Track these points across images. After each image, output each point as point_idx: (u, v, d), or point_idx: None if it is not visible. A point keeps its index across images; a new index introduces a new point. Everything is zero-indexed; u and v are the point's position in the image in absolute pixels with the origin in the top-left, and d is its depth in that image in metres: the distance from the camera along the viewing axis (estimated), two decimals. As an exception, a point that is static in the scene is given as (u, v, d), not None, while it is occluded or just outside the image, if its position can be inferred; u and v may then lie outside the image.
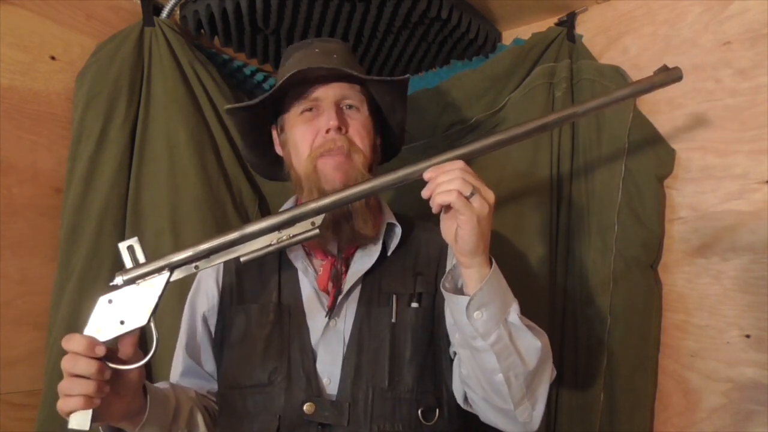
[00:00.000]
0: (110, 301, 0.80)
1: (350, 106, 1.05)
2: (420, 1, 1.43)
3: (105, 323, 0.80)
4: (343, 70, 1.01)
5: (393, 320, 1.00)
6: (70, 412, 0.76)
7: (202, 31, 1.51)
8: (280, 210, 0.95)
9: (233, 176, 1.48)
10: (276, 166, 1.18)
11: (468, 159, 0.87)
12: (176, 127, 1.38)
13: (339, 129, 1.01)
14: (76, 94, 1.33)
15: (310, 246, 1.07)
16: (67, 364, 0.76)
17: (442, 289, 0.92)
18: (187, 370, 1.09)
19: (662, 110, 1.42)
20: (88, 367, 0.76)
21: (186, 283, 1.07)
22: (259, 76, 1.62)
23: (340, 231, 1.02)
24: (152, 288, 0.81)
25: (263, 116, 1.11)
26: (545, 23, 1.61)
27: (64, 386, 0.76)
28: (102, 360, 0.77)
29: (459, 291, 0.91)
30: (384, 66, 1.78)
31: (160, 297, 0.81)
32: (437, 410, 0.98)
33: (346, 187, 0.89)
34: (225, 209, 1.42)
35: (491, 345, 0.87)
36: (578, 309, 1.43)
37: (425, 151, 1.54)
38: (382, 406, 0.95)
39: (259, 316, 1.02)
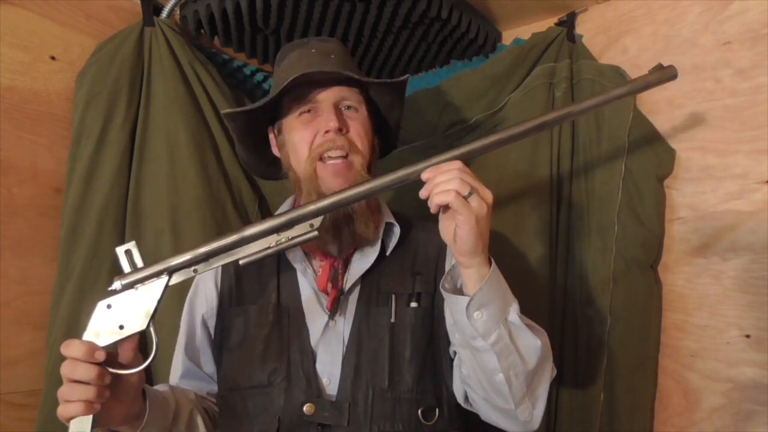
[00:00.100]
0: (109, 306, 0.80)
1: (349, 107, 1.05)
2: (420, 1, 1.43)
3: (104, 328, 0.79)
4: (342, 73, 1.01)
5: (392, 320, 1.00)
6: (70, 418, 0.76)
7: (202, 31, 1.51)
8: (277, 212, 0.95)
9: (233, 176, 1.48)
10: (273, 167, 1.18)
11: (466, 159, 0.87)
12: (176, 127, 1.38)
13: (339, 130, 1.01)
14: (76, 94, 1.33)
15: (308, 247, 1.06)
16: (66, 369, 0.76)
17: (441, 290, 0.92)
18: (187, 372, 1.09)
19: (662, 110, 1.42)
20: (88, 372, 0.76)
21: (186, 285, 1.07)
22: (259, 76, 1.62)
23: (341, 234, 1.02)
24: (151, 292, 0.81)
25: (260, 118, 1.11)
26: (545, 23, 1.61)
27: (63, 392, 0.76)
28: (102, 365, 0.77)
29: (458, 291, 0.91)
30: (384, 66, 1.78)
31: (159, 301, 0.81)
32: (437, 410, 0.98)
33: (343, 189, 0.89)
34: (225, 209, 1.42)
35: (491, 345, 0.87)
36: (578, 309, 1.43)
37: (425, 151, 1.54)
38: (382, 406, 0.95)
39: (258, 318, 1.03)
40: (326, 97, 1.03)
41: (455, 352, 1.01)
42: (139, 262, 0.82)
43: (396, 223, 1.08)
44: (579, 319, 1.42)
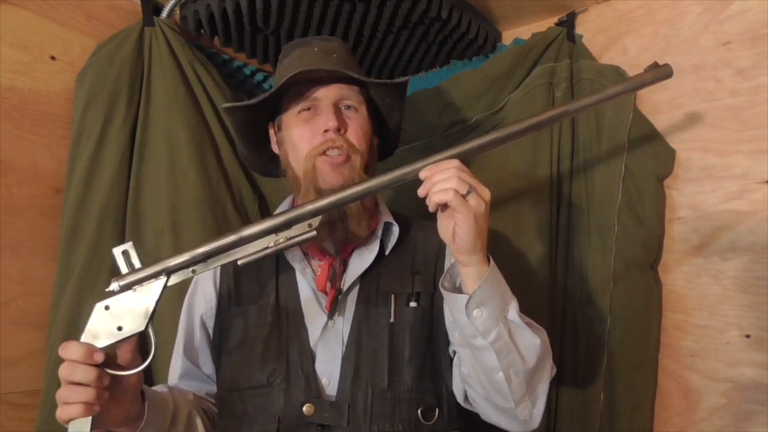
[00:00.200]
0: (107, 308, 0.80)
1: (349, 107, 1.05)
2: (420, 1, 1.43)
3: (102, 329, 0.79)
4: (343, 72, 1.01)
5: (391, 320, 1.00)
6: (69, 420, 0.75)
7: (202, 31, 1.51)
8: (276, 212, 0.95)
9: (233, 176, 1.48)
10: (272, 164, 1.18)
11: (464, 158, 0.87)
12: (176, 127, 1.38)
13: (338, 130, 1.01)
14: (76, 94, 1.33)
15: (307, 247, 1.06)
16: (64, 371, 0.76)
17: (440, 288, 0.92)
18: (186, 372, 1.09)
19: (662, 110, 1.42)
20: (87, 374, 0.75)
21: (187, 283, 1.07)
22: (259, 76, 1.62)
23: (335, 231, 1.02)
24: (149, 293, 0.81)
25: (260, 114, 1.11)
26: (545, 23, 1.61)
27: (62, 394, 0.76)
28: (100, 366, 0.77)
29: (457, 290, 0.91)
30: (384, 66, 1.78)
31: (158, 302, 0.81)
32: (437, 410, 0.98)
33: (342, 187, 0.89)
34: (225, 209, 1.42)
35: (491, 343, 0.87)
36: (578, 309, 1.43)
37: (425, 151, 1.53)
38: (381, 406, 0.95)
39: (257, 318, 1.02)
40: (326, 95, 1.03)
41: (455, 352, 1.01)
42: (137, 263, 0.82)
43: (395, 223, 1.08)
44: (579, 319, 1.42)
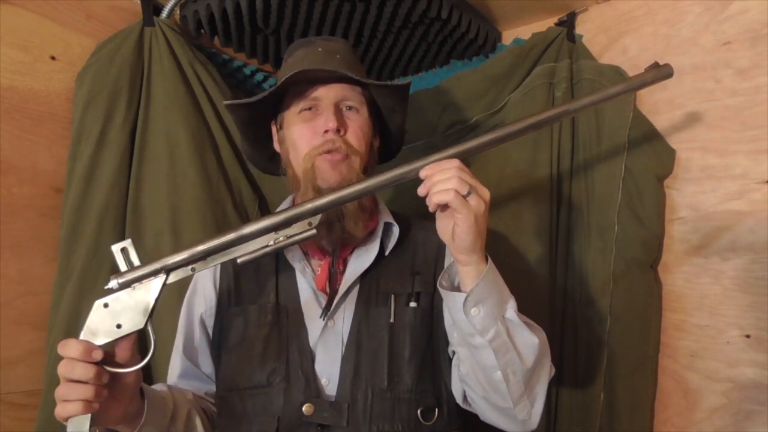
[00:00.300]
0: (106, 305, 0.80)
1: (350, 108, 1.05)
2: (420, 1, 1.43)
3: (101, 327, 0.79)
4: (344, 73, 1.01)
5: (391, 320, 1.00)
6: (68, 418, 0.75)
7: (202, 31, 1.51)
8: (277, 210, 0.95)
9: (233, 176, 1.48)
10: (274, 162, 1.19)
11: (464, 157, 0.87)
12: (176, 127, 1.38)
13: (337, 130, 1.01)
14: (76, 94, 1.33)
15: (307, 246, 1.06)
16: (63, 369, 0.76)
17: (439, 287, 0.92)
18: (185, 372, 1.09)
19: (662, 110, 1.42)
20: (86, 371, 0.75)
21: (186, 282, 1.07)
22: (259, 76, 1.63)
23: (332, 230, 1.02)
24: (148, 291, 0.81)
25: (263, 112, 1.11)
26: (545, 23, 1.61)
27: (61, 392, 0.76)
28: (99, 364, 0.77)
29: (456, 289, 0.91)
30: (384, 66, 1.78)
31: (157, 300, 0.81)
32: (436, 410, 0.98)
33: (342, 186, 0.90)
34: (225, 209, 1.42)
35: (489, 341, 0.87)
36: (578, 309, 1.43)
37: (425, 151, 1.52)
38: (381, 407, 0.95)
39: (257, 318, 1.02)
40: (327, 95, 1.03)
41: (454, 352, 1.01)
42: (136, 260, 0.82)
43: (395, 223, 1.08)
44: (579, 319, 1.42)
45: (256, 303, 1.04)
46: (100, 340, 0.79)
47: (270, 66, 1.73)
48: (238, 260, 0.84)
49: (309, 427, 0.94)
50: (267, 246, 0.84)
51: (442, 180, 0.83)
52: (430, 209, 0.86)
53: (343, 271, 1.04)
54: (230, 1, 1.39)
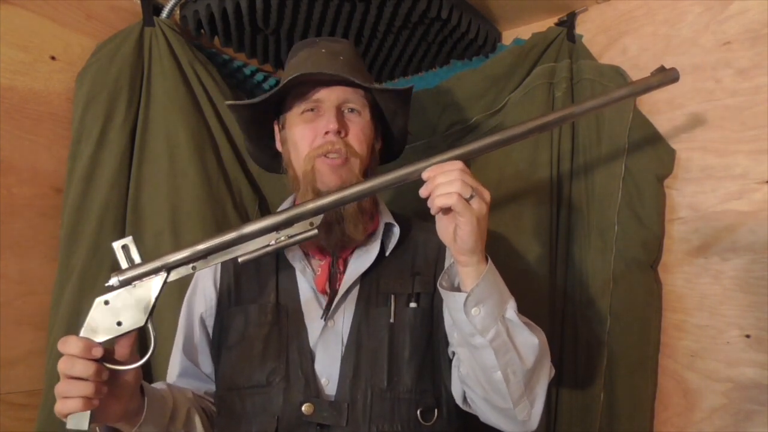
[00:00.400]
0: (106, 303, 0.80)
1: (352, 110, 1.05)
2: (420, 1, 1.43)
3: (101, 325, 0.79)
4: (346, 77, 1.01)
5: (391, 320, 1.00)
6: (68, 414, 0.75)
7: (202, 31, 1.51)
8: (278, 210, 0.95)
9: (233, 176, 1.48)
10: (277, 161, 1.19)
11: (466, 159, 0.87)
12: (176, 127, 1.38)
13: (338, 132, 1.01)
14: (76, 94, 1.33)
15: (307, 246, 1.06)
16: (63, 366, 0.76)
17: (439, 288, 0.92)
18: (185, 371, 1.09)
19: (662, 110, 1.42)
20: (86, 368, 0.76)
21: (187, 281, 1.07)
22: (259, 76, 1.63)
23: (331, 233, 1.02)
24: (149, 289, 0.81)
25: (265, 112, 1.12)
26: (545, 23, 1.61)
27: (61, 388, 0.76)
28: (99, 361, 0.77)
29: (456, 289, 0.91)
30: (384, 66, 1.78)
31: (157, 298, 0.81)
32: (436, 410, 0.98)
33: (344, 186, 0.89)
34: (225, 209, 1.42)
35: (489, 341, 0.87)
36: (578, 309, 1.43)
37: (425, 151, 1.54)
38: (380, 407, 0.95)
39: (257, 317, 1.02)
40: (329, 97, 1.03)
41: (454, 353, 1.00)
42: (137, 258, 0.82)
43: (395, 224, 1.08)
44: (579, 320, 1.42)
45: (256, 302, 1.04)
46: (101, 338, 0.79)
47: (270, 66, 1.73)
48: (239, 259, 0.84)
49: (308, 427, 0.94)
50: (268, 245, 0.84)
51: (444, 183, 0.83)
52: (432, 212, 0.86)
53: (344, 271, 1.04)
54: (230, 1, 1.40)
